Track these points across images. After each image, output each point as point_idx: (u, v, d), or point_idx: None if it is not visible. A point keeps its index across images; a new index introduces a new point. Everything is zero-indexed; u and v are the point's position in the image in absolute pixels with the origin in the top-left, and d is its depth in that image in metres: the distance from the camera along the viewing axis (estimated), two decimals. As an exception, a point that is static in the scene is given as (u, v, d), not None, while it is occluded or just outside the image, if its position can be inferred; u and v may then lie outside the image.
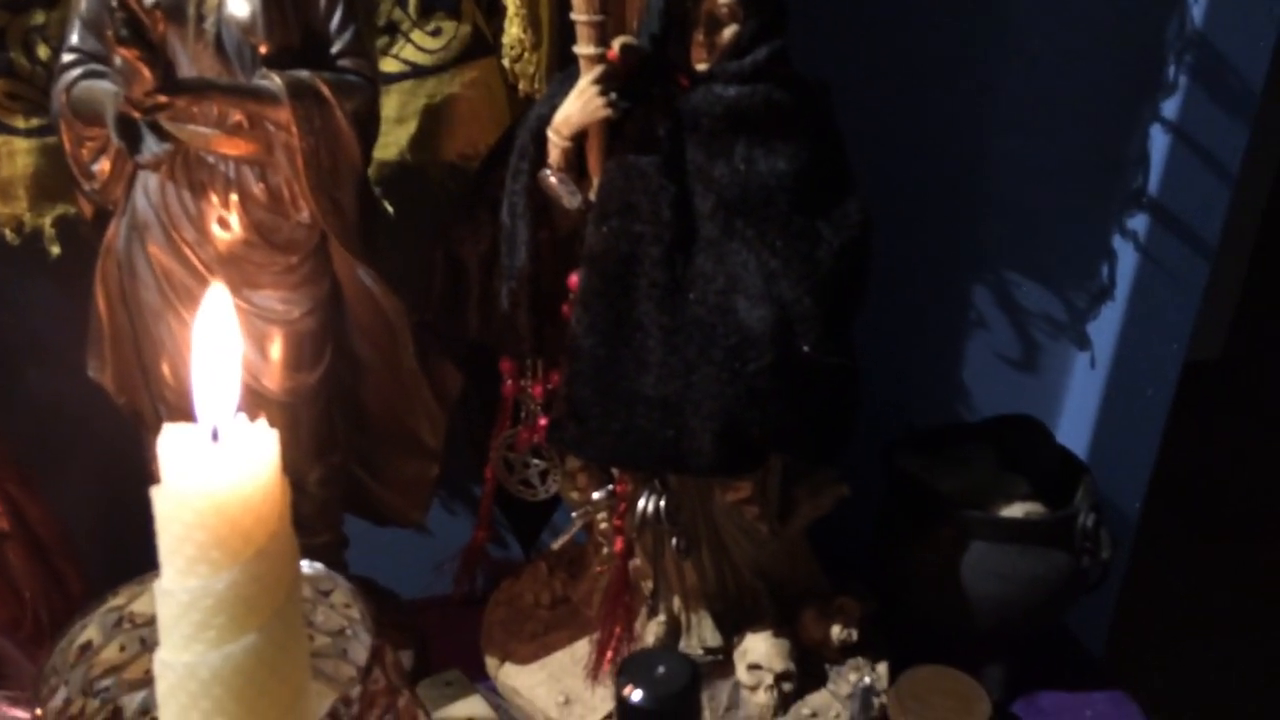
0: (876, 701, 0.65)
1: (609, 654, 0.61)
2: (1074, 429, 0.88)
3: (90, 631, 0.51)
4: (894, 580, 0.69)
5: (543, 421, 0.60)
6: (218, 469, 0.43)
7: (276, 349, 0.53)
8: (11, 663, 0.60)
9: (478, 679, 0.68)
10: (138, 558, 0.54)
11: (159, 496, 0.44)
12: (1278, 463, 2.23)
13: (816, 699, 0.65)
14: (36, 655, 0.60)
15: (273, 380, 0.53)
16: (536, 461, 0.63)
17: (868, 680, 0.51)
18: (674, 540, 0.59)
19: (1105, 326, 0.86)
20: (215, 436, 0.44)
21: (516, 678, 0.66)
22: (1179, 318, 0.85)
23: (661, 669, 0.46)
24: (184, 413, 0.51)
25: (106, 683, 0.54)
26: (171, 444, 0.44)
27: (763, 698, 0.63)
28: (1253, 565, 1.87)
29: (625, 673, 0.46)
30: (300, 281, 0.52)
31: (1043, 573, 0.65)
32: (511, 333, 0.57)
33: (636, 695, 0.45)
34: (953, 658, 0.68)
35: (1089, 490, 0.66)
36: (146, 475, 0.58)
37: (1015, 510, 0.66)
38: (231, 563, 0.43)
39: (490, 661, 0.69)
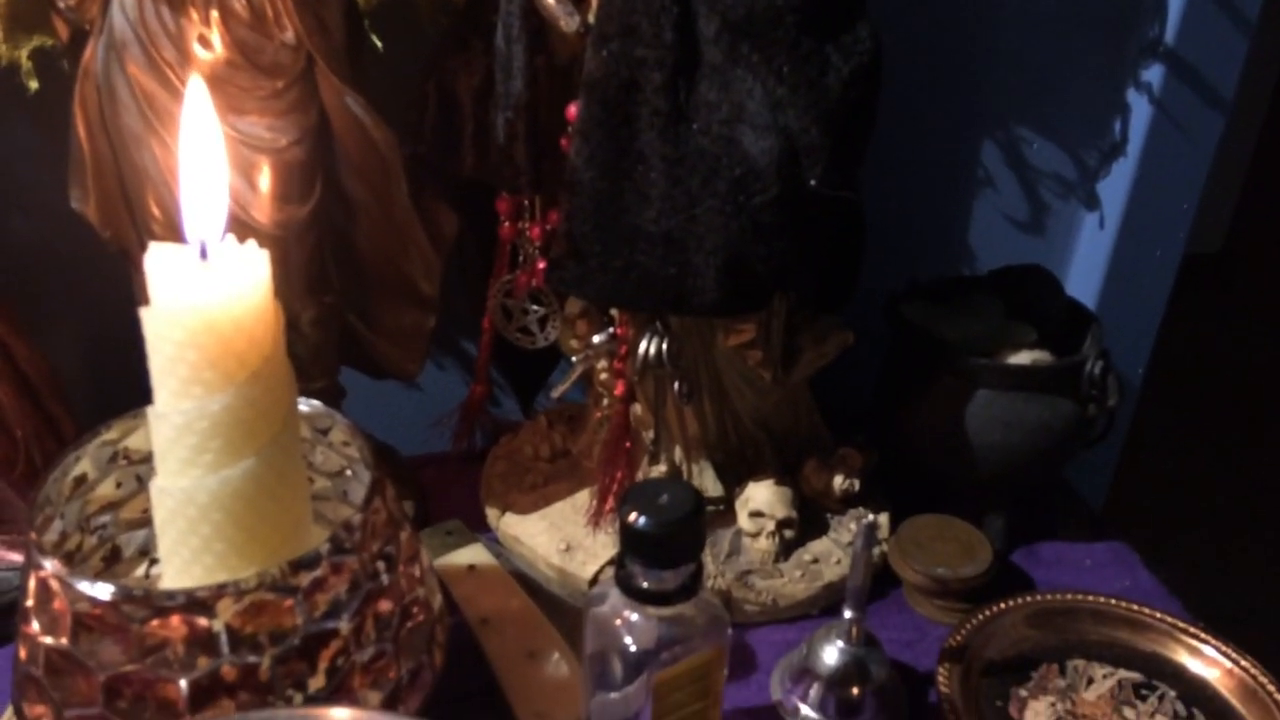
0: (878, 538, 0.65)
1: (610, 500, 0.61)
2: (1081, 290, 0.87)
3: (84, 464, 0.51)
4: (897, 431, 0.69)
5: (541, 264, 0.59)
6: (207, 287, 0.42)
7: (265, 179, 0.51)
8: (7, 505, 0.60)
9: (478, 531, 0.69)
10: (127, 399, 0.53)
11: (148, 317, 0.43)
12: (1273, 351, 2.26)
13: (818, 546, 0.65)
14: (29, 497, 0.60)
15: (261, 212, 0.51)
16: (535, 308, 0.62)
17: (871, 517, 0.51)
18: (676, 385, 0.59)
19: (1115, 185, 0.84)
20: (204, 254, 0.42)
21: (517, 527, 0.66)
22: (1192, 174, 0.83)
23: (665, 497, 0.45)
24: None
25: (104, 519, 0.54)
26: (159, 263, 0.42)
27: (764, 544, 0.63)
28: (1247, 442, 1.90)
29: (629, 501, 0.46)
30: (287, 108, 0.50)
31: (1048, 420, 0.64)
32: (508, 167, 0.55)
33: (640, 521, 0.45)
34: (953, 509, 0.68)
35: (1097, 338, 0.65)
36: (134, 314, 0.57)
37: (1022, 358, 0.65)
38: (226, 384, 0.43)
39: (491, 512, 0.69)
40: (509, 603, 0.62)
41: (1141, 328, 0.89)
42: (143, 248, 0.54)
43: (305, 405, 0.53)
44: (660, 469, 0.64)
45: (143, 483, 0.54)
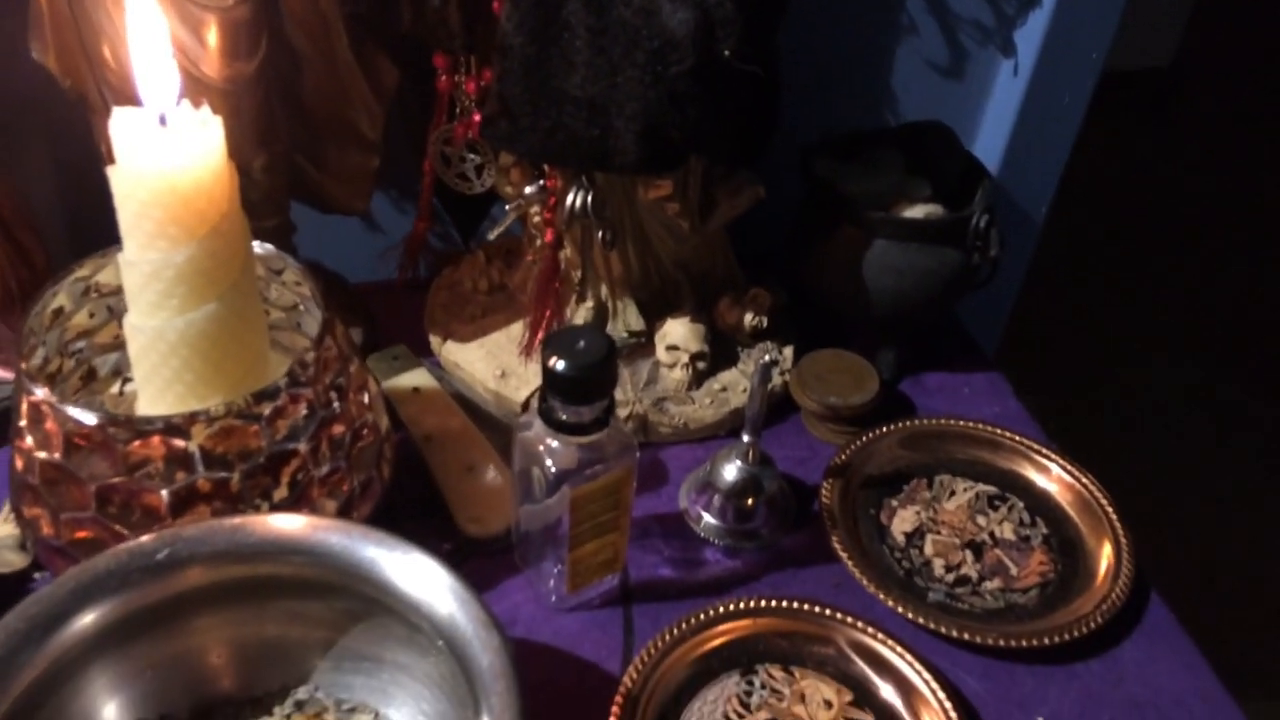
0: (775, 374, 0.73)
1: (539, 335, 0.68)
2: (993, 135, 0.92)
3: (61, 298, 0.56)
4: (804, 274, 0.76)
5: (476, 117, 0.63)
6: (168, 152, 0.46)
7: (213, 36, 0.54)
8: (-9, 332, 0.65)
9: (422, 356, 0.75)
10: (94, 234, 0.58)
11: (115, 176, 0.48)
12: (1209, 170, 2.29)
13: (727, 376, 0.73)
14: (9, 321, 0.66)
15: (211, 68, 0.55)
16: (472, 156, 0.67)
17: (768, 357, 0.58)
18: (600, 233, 0.64)
19: (1030, 34, 0.88)
20: (163, 121, 0.47)
21: (458, 354, 0.73)
22: (1102, 25, 0.87)
23: (582, 343, 0.52)
24: (128, 97, 0.54)
25: (80, 345, 0.60)
26: (122, 127, 0.47)
27: (679, 374, 0.71)
28: (1158, 270, 1.97)
29: (549, 346, 0.52)
30: (233, -30, 0.53)
31: (936, 268, 0.72)
32: (443, 28, 0.59)
33: (560, 365, 0.52)
34: (852, 344, 0.76)
35: (986, 193, 0.72)
36: (97, 156, 0.61)
37: (916, 212, 0.71)
38: (188, 239, 0.48)
39: (434, 340, 0.75)
40: (449, 422, 0.69)
41: (1046, 172, 0.95)
42: (102, 96, 0.58)
43: (260, 248, 0.58)
44: (587, 306, 0.71)
45: (113, 312, 0.60)
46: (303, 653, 0.53)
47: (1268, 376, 1.75)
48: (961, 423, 0.73)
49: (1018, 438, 0.73)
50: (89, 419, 0.49)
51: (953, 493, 0.70)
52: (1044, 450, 0.72)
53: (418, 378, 0.72)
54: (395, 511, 0.62)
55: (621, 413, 0.69)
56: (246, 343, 0.53)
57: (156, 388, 0.53)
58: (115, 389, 0.62)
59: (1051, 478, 0.71)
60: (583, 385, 0.52)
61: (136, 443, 0.49)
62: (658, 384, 0.71)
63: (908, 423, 0.73)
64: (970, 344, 0.83)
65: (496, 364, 0.72)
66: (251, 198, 0.63)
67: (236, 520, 0.50)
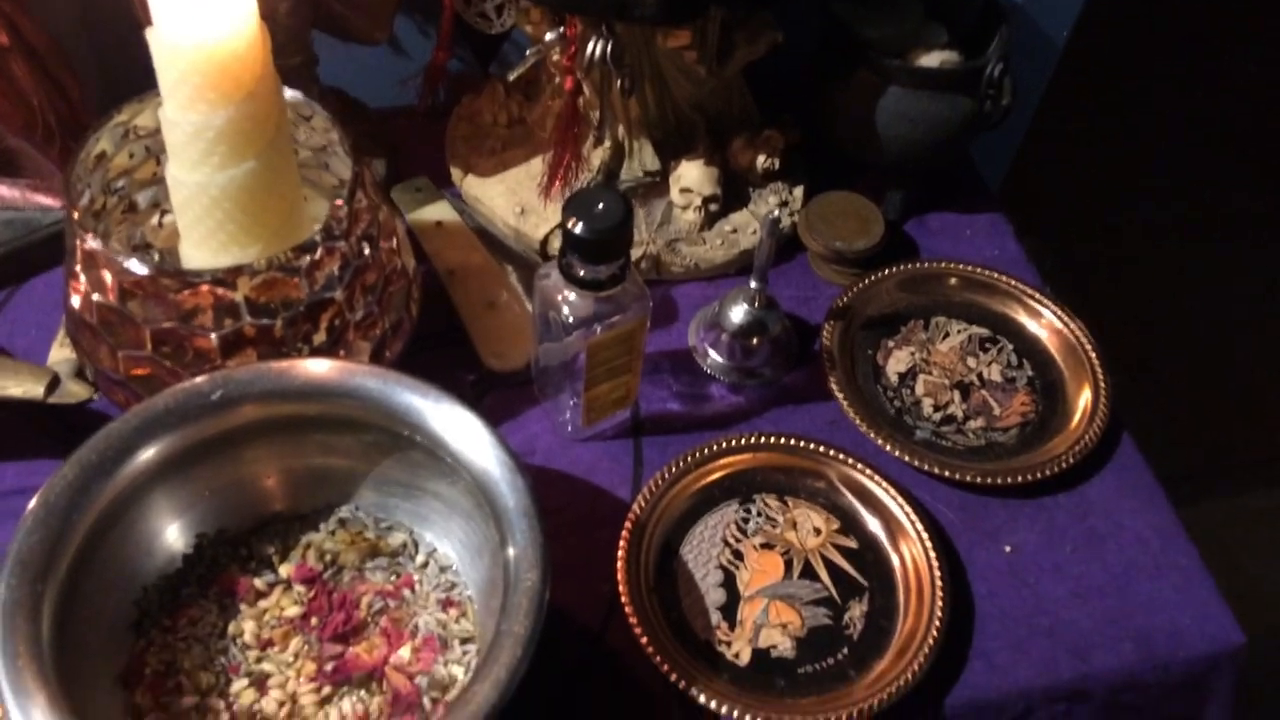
0: (785, 215, 0.76)
1: (559, 177, 0.70)
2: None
3: (103, 143, 0.59)
4: (818, 116, 0.77)
5: (500, -41, 0.63)
6: (204, 22, 0.48)
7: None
8: (30, 159, 0.68)
9: (443, 187, 0.78)
10: (123, 70, 0.60)
11: (154, 43, 0.49)
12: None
13: (738, 217, 0.76)
14: (49, 153, 0.68)
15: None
16: (495, 2, 0.67)
17: (776, 213, 0.61)
18: (619, 81, 0.66)
19: None
20: (199, -10, 0.48)
21: (478, 188, 0.76)
22: None
23: (601, 205, 0.55)
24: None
25: (121, 183, 0.63)
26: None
27: (691, 216, 0.74)
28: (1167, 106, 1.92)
29: (569, 208, 0.55)
30: None
31: (949, 115, 0.73)
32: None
33: (579, 227, 0.55)
34: (861, 184, 0.78)
35: (1003, 41, 0.72)
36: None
37: (932, 59, 0.72)
38: (225, 103, 0.50)
39: (455, 172, 0.77)
40: (471, 257, 0.72)
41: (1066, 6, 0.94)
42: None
43: (290, 96, 0.60)
44: (605, 146, 0.72)
45: (150, 152, 0.62)
46: (345, 478, 0.59)
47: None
48: (960, 266, 0.76)
49: (1013, 282, 0.76)
50: (141, 270, 0.52)
51: (947, 334, 0.74)
52: (1036, 295, 0.75)
53: (440, 211, 0.75)
54: (421, 343, 0.66)
55: (635, 252, 0.72)
56: (282, 194, 0.56)
57: (200, 235, 0.56)
58: (154, 220, 0.65)
59: (1042, 323, 0.75)
60: (600, 246, 0.55)
61: (187, 292, 0.53)
62: (671, 224, 0.74)
63: (908, 265, 0.76)
64: (977, 183, 0.85)
65: (516, 200, 0.74)
66: (277, 38, 0.63)
67: (283, 364, 0.54)
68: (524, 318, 0.70)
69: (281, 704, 0.53)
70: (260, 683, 0.54)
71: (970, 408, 0.70)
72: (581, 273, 0.57)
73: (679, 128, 0.74)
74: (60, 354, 0.64)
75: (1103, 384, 0.71)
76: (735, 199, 0.76)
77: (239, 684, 0.54)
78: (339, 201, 0.55)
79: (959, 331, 0.75)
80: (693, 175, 0.73)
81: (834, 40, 0.74)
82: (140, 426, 0.52)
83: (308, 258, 0.54)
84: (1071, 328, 0.74)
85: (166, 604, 0.55)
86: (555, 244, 0.73)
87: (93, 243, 0.52)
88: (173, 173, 0.54)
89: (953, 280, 0.76)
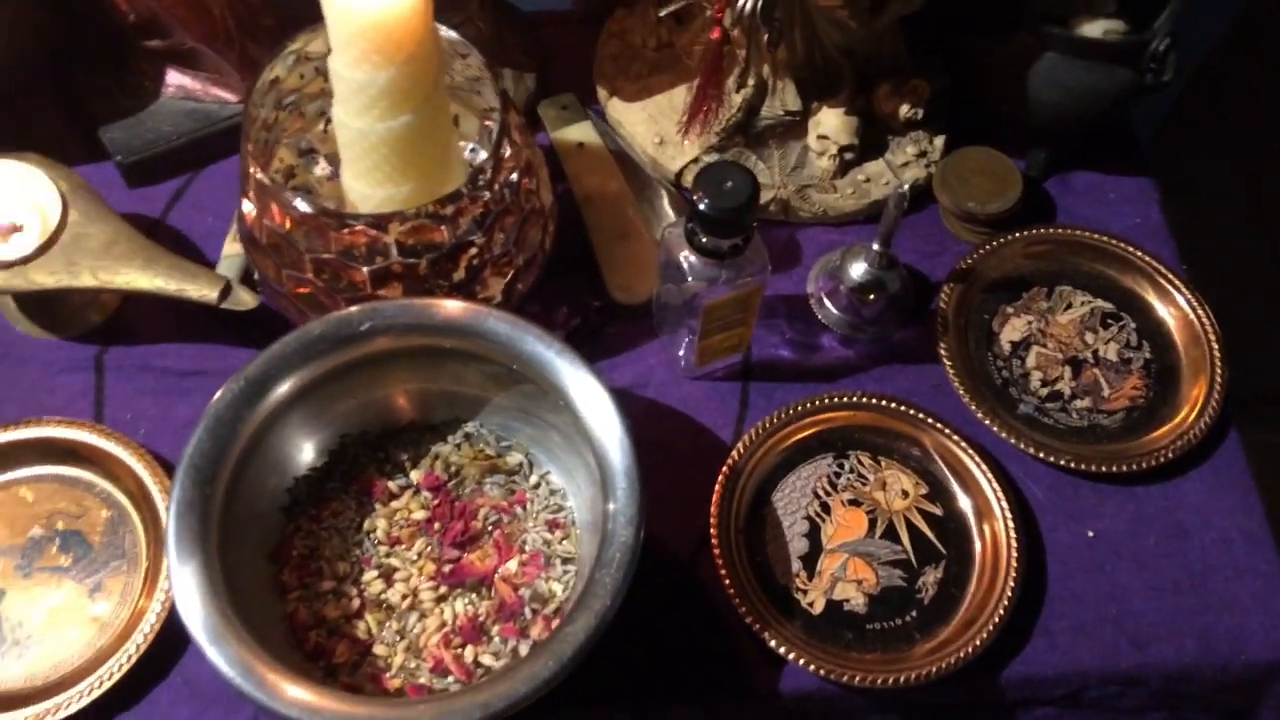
0: (921, 165, 0.76)
1: (698, 120, 0.71)
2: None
3: (276, 70, 0.63)
4: (968, 69, 0.75)
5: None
6: (374, -7, 0.50)
7: None
8: (211, 59, 0.72)
9: (588, 104, 0.80)
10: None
11: (327, 5, 0.52)
12: None
13: (872, 167, 0.76)
14: (229, 56, 0.73)
15: None
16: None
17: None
18: (766, 35, 0.66)
19: None
20: (370, -39, 0.50)
21: (622, 112, 0.78)
22: None
23: (730, 183, 0.57)
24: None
25: (291, 98, 0.67)
26: (334, -36, 0.51)
27: (826, 164, 0.74)
28: None
29: (698, 182, 0.57)
30: None
31: (1104, 87, 0.71)
32: None
33: (705, 203, 0.57)
34: (1005, 138, 0.77)
35: (1172, 14, 0.69)
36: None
37: (1095, 28, 0.69)
38: (388, 64, 0.54)
39: (601, 91, 0.79)
40: (609, 184, 0.75)
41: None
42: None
43: (446, 35, 0.62)
44: (749, 86, 0.73)
45: (319, 72, 0.66)
46: (472, 399, 0.65)
47: None
48: (1094, 235, 0.75)
49: (1147, 257, 0.75)
50: (305, 208, 0.57)
51: (1069, 305, 0.74)
52: (1170, 275, 0.74)
53: (583, 132, 0.77)
54: (553, 266, 0.70)
55: (765, 195, 0.74)
56: (435, 141, 0.60)
57: (359, 169, 0.60)
58: (320, 127, 0.70)
59: (1170, 305, 0.74)
60: (724, 223, 0.58)
61: (344, 231, 0.58)
62: (804, 169, 0.75)
63: (1040, 230, 0.75)
64: (1129, 143, 0.82)
65: (656, 130, 0.76)
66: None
67: (424, 302, 0.59)
68: (652, 253, 0.73)
69: (404, 596, 0.61)
70: (388, 575, 0.61)
71: (1079, 386, 0.71)
72: (705, 242, 0.59)
73: (825, 69, 0.74)
74: (233, 248, 0.70)
75: (1219, 378, 0.70)
76: (872, 146, 0.76)
77: (369, 574, 0.61)
78: (482, 162, 0.58)
79: (1082, 303, 0.75)
80: (831, 123, 0.73)
81: (994, -3, 0.72)
82: (297, 349, 0.58)
83: (453, 207, 0.58)
84: (1200, 315, 0.73)
85: (313, 495, 0.63)
86: (689, 178, 0.75)
87: (263, 177, 0.57)
88: (339, 117, 0.58)
89: (1084, 249, 0.75)
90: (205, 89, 0.73)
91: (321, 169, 0.68)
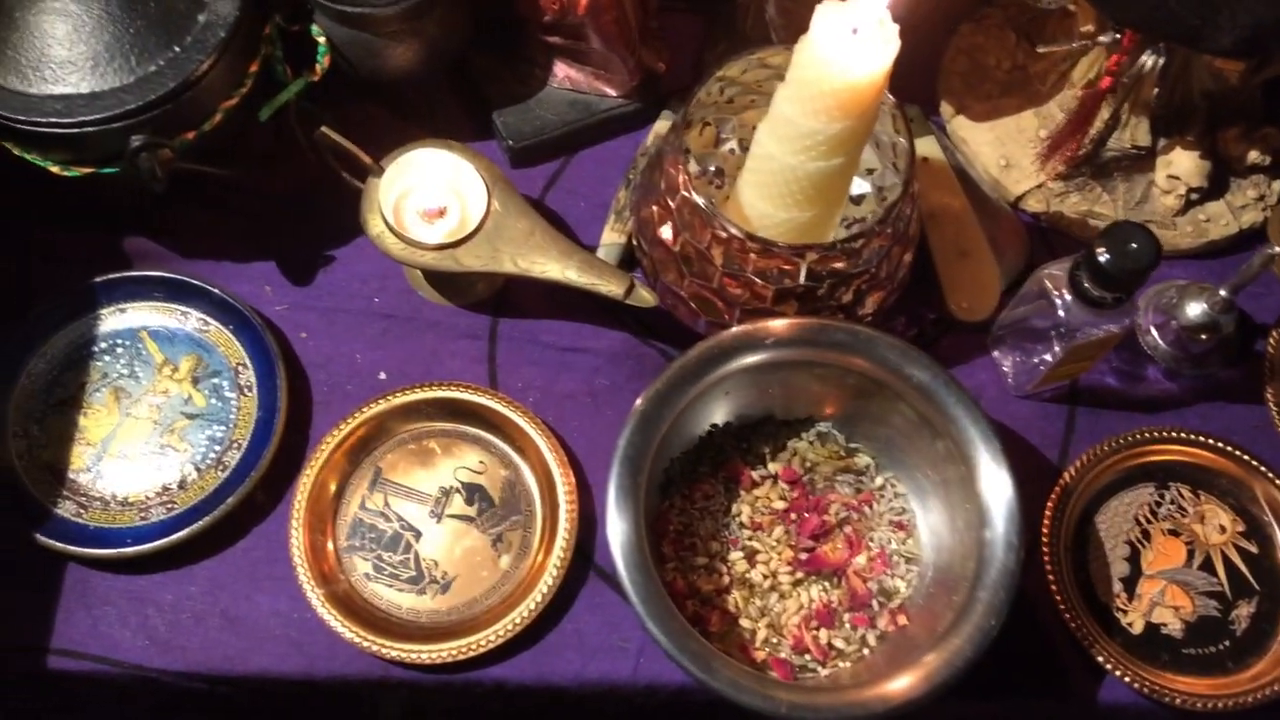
0: (1259, 208, 0.78)
1: (1062, 153, 0.75)
2: None
3: (700, 94, 0.68)
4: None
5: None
6: (854, 58, 0.56)
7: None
8: (600, 56, 0.77)
9: (930, 116, 0.83)
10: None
11: (803, 56, 0.57)
12: None
13: (1213, 207, 0.78)
14: (626, 58, 0.77)
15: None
16: (1053, -16, 0.70)
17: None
18: (1155, 89, 0.69)
19: None
20: (855, 31, 0.55)
21: (967, 131, 0.81)
22: None
23: (1134, 245, 0.61)
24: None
25: (705, 114, 0.72)
26: (824, 22, 0.56)
27: (1171, 201, 0.77)
28: None
29: (1104, 237, 0.62)
30: None
31: None
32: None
33: (1105, 258, 0.62)
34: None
35: None
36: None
37: None
38: (845, 118, 0.59)
39: (946, 107, 0.83)
40: (951, 201, 0.79)
41: None
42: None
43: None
44: (1102, 117, 0.76)
45: (729, 95, 0.71)
46: (827, 399, 0.71)
47: None
48: None
49: None
50: (737, 233, 0.63)
51: (1391, 360, 0.77)
52: None
53: (927, 146, 0.81)
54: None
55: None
56: (849, 175, 0.65)
57: (770, 193, 0.66)
58: (726, 148, 0.75)
59: None
60: (1119, 281, 0.62)
61: (765, 258, 0.64)
62: (1147, 204, 0.78)
63: (1373, 284, 0.78)
64: None
65: (1002, 152, 0.80)
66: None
67: (821, 323, 0.65)
68: (992, 272, 0.77)
69: (765, 578, 0.69)
70: (750, 556, 0.69)
71: (1396, 441, 0.74)
72: (1091, 290, 0.64)
73: (1180, 108, 0.76)
74: (610, 237, 0.77)
75: None
76: (1213, 186, 0.78)
77: (735, 554, 0.69)
78: (895, 201, 0.63)
79: (1406, 359, 0.77)
80: (1185, 165, 0.76)
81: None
82: (708, 358, 0.65)
83: (861, 242, 0.64)
84: None
85: (686, 476, 0.71)
86: (1033, 203, 0.79)
87: (701, 201, 0.63)
88: (770, 150, 0.63)
89: None
90: (589, 82, 0.79)
91: (714, 182, 0.74)
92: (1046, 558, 0.69)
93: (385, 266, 0.77)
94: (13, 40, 0.61)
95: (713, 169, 0.74)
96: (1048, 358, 0.70)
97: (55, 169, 0.64)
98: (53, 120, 0.60)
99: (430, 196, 0.71)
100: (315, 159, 0.72)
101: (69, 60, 0.61)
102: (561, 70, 0.80)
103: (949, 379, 0.64)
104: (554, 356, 0.76)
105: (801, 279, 0.65)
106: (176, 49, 0.62)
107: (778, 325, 0.65)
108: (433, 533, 0.70)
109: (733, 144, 0.75)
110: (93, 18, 0.61)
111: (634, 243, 0.73)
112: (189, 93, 0.62)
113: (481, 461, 0.73)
